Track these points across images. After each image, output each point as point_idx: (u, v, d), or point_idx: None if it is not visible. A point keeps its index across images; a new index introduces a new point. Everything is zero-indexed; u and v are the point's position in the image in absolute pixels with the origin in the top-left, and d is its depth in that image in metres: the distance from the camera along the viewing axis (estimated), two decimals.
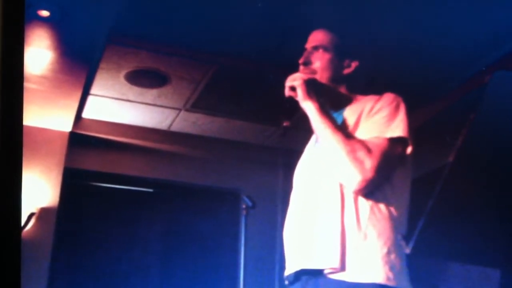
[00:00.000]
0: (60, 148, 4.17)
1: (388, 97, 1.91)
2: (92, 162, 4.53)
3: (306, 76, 1.90)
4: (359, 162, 1.71)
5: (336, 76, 1.99)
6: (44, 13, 2.94)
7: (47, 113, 3.98)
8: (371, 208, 1.74)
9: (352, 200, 1.75)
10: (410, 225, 1.81)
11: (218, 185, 4.84)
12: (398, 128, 1.79)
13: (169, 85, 3.84)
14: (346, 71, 2.01)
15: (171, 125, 4.45)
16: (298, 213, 1.89)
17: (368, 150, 1.72)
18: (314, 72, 1.96)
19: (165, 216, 4.68)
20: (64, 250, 4.18)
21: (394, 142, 1.77)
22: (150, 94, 3.98)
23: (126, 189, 4.70)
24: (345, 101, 1.98)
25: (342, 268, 1.69)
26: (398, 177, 1.81)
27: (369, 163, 1.70)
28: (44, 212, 3.98)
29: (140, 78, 3.76)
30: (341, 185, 1.76)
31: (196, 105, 4.12)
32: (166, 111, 4.22)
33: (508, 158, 1.12)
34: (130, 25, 3.22)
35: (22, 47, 1.27)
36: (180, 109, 4.20)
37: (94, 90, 3.91)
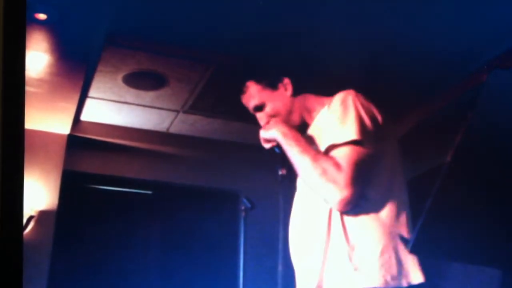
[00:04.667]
0: (59, 151, 4.17)
1: (337, 99, 1.86)
2: (90, 165, 4.52)
3: (266, 121, 1.96)
4: (333, 182, 1.68)
5: (287, 101, 2.01)
6: (41, 16, 2.93)
7: (45, 116, 3.98)
8: (358, 218, 1.72)
9: (338, 215, 1.73)
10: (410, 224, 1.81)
11: (217, 187, 4.83)
12: (350, 131, 1.73)
13: (167, 87, 3.84)
14: (288, 92, 2.02)
15: (169, 127, 4.45)
16: (295, 234, 1.94)
17: (337, 165, 1.68)
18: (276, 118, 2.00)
19: (164, 218, 4.68)
20: (64, 253, 4.17)
21: (353, 145, 1.72)
22: (148, 96, 3.97)
23: (125, 191, 4.70)
24: (316, 112, 1.99)
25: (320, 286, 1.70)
26: (384, 178, 1.77)
27: (342, 181, 1.67)
28: (43, 215, 3.98)
29: (138, 80, 3.76)
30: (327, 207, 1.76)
31: (194, 107, 4.12)
32: (164, 113, 4.22)
33: (506, 156, 1.12)
34: (127, 27, 3.22)
35: (23, 52, 1.28)
36: (178, 111, 4.19)
37: (92, 92, 3.90)
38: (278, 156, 1.92)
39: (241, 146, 4.68)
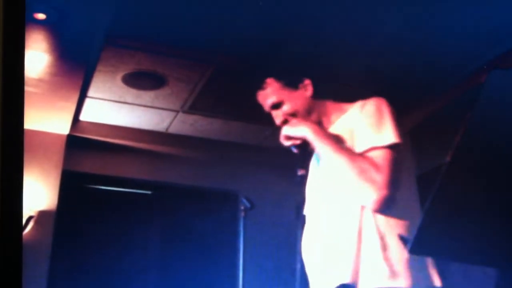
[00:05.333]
0: (58, 151, 4.17)
1: (371, 104, 1.91)
2: (90, 165, 4.52)
3: (282, 119, 1.96)
4: (372, 182, 1.72)
5: (307, 102, 2.01)
6: (41, 16, 2.93)
7: (44, 116, 3.97)
8: (387, 219, 1.76)
9: (370, 214, 1.77)
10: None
11: (216, 187, 4.83)
12: (390, 135, 1.79)
13: (167, 87, 3.84)
14: (308, 92, 2.03)
15: (168, 127, 4.45)
16: (314, 233, 1.91)
17: (376, 166, 1.74)
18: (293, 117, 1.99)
19: (164, 218, 4.67)
20: (63, 253, 4.17)
21: (391, 148, 1.78)
22: (148, 96, 3.97)
23: (124, 191, 4.69)
24: (334, 116, 2.00)
25: (354, 281, 1.71)
26: (404, 179, 1.82)
27: (381, 181, 1.72)
28: (42, 215, 3.98)
29: (137, 80, 3.76)
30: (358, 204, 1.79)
31: (193, 107, 4.11)
32: (164, 113, 4.22)
33: (506, 156, 1.12)
34: (127, 27, 3.21)
35: (22, 52, 1.27)
36: (177, 111, 4.19)
37: (91, 92, 3.90)
38: (296, 155, 1.91)
39: (240, 146, 4.69)
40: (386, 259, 1.70)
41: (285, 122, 1.99)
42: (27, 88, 3.59)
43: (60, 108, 3.89)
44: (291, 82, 2.03)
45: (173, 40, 3.37)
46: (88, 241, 4.35)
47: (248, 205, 2.59)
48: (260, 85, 2.04)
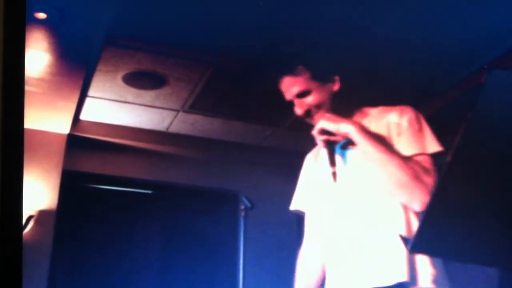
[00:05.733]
0: (58, 150, 4.17)
1: (410, 112, 1.97)
2: (90, 164, 4.52)
3: (324, 115, 1.92)
4: (424, 185, 1.78)
5: (332, 99, 1.99)
6: (41, 15, 2.93)
7: (45, 116, 3.97)
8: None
9: (414, 215, 1.82)
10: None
11: (216, 186, 4.83)
12: (435, 143, 1.89)
13: (167, 86, 3.84)
14: (335, 88, 2.01)
15: (169, 126, 4.45)
16: (342, 236, 1.90)
17: (426, 170, 1.81)
18: (318, 112, 1.97)
19: (164, 217, 4.68)
20: (64, 253, 4.17)
21: (434, 156, 1.87)
22: (148, 96, 3.97)
23: (124, 191, 4.70)
24: (356, 117, 1.99)
25: (413, 280, 1.74)
26: None
27: (431, 184, 1.78)
28: (43, 215, 3.98)
29: (138, 79, 3.76)
30: (401, 203, 1.83)
31: (194, 106, 4.11)
32: (164, 112, 4.22)
33: (506, 156, 1.11)
34: (127, 26, 3.21)
35: (23, 51, 1.27)
36: (178, 111, 4.19)
37: (91, 92, 3.90)
38: (328, 153, 1.90)
39: (241, 146, 4.69)
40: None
41: (307, 112, 1.96)
42: (27, 88, 3.60)
43: (60, 108, 3.90)
44: (320, 75, 2.01)
45: (174, 40, 3.36)
46: (88, 240, 4.35)
47: (248, 204, 2.59)
48: (292, 72, 2.00)
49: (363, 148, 1.83)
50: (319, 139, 1.90)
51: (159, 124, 4.41)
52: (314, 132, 1.90)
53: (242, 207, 2.62)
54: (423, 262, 1.76)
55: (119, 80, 3.76)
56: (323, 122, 1.88)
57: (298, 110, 1.97)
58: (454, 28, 3.22)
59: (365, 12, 3.08)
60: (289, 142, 4.46)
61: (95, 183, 4.60)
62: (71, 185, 4.26)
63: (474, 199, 1.14)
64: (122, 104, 4.10)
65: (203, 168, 4.78)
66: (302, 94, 1.98)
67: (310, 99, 1.96)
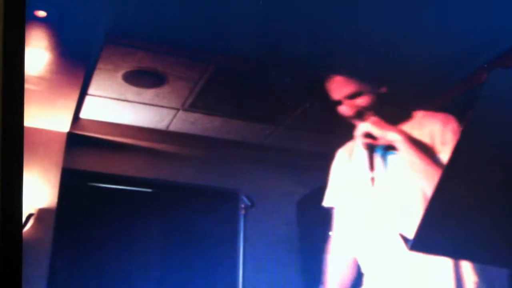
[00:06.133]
0: (58, 149, 4.17)
1: (454, 122, 1.96)
2: (90, 163, 4.52)
3: (372, 119, 1.90)
4: None
5: (379, 102, 1.99)
6: (41, 13, 2.93)
7: (44, 114, 3.97)
8: None
9: None
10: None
11: (217, 185, 4.83)
12: None
13: (167, 85, 3.84)
14: (382, 91, 2.00)
15: (169, 125, 4.45)
16: (378, 245, 1.89)
17: None
18: (367, 114, 1.95)
19: (164, 216, 4.67)
20: (63, 251, 4.17)
21: None
22: (148, 94, 3.97)
23: (124, 189, 4.69)
24: (400, 118, 1.98)
25: None
26: None
27: None
28: (42, 213, 3.97)
29: (138, 78, 3.76)
30: None
31: (194, 105, 4.11)
32: (164, 111, 4.22)
33: (506, 156, 1.11)
34: (128, 25, 3.21)
35: (23, 50, 1.27)
36: (178, 109, 4.19)
37: (91, 90, 3.90)
38: (368, 157, 1.89)
39: (241, 144, 4.68)
40: None
41: (358, 114, 1.94)
42: (27, 86, 3.58)
43: (60, 106, 3.89)
44: (371, 78, 2.01)
45: (174, 38, 3.36)
46: (88, 239, 4.35)
47: (248, 203, 2.60)
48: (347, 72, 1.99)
49: (408, 158, 1.80)
50: (362, 141, 1.87)
51: (159, 122, 4.41)
52: (358, 134, 1.88)
53: (242, 205, 2.63)
54: (467, 271, 1.72)
55: (119, 79, 3.75)
56: (369, 126, 1.86)
57: (348, 111, 1.95)
58: (454, 27, 3.22)
59: (364, 11, 3.08)
60: (290, 141, 4.46)
61: (95, 181, 4.60)
62: (70, 183, 4.25)
63: (474, 198, 1.14)
64: (122, 103, 4.09)
65: (203, 167, 4.77)
66: (353, 96, 1.96)
67: (360, 101, 1.95)
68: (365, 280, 1.90)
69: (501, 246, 1.20)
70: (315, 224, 4.36)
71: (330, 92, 1.99)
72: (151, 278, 4.49)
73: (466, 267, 1.72)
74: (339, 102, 1.97)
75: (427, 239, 1.19)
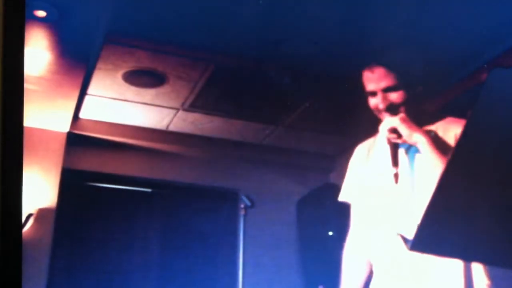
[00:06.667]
0: (58, 149, 4.17)
1: None
2: (90, 162, 4.52)
3: (401, 116, 1.88)
4: None
5: (412, 100, 1.97)
6: (41, 13, 2.93)
7: (44, 114, 3.97)
8: None
9: None
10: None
11: (216, 185, 4.83)
12: None
13: (167, 84, 3.84)
14: (418, 89, 1.99)
15: (169, 124, 4.45)
16: (396, 244, 1.84)
17: None
18: (398, 110, 1.94)
19: (164, 215, 4.68)
20: (63, 251, 4.17)
21: None
22: (148, 94, 3.97)
23: (124, 189, 4.69)
24: (428, 120, 1.97)
25: None
26: None
27: None
28: (42, 213, 3.98)
29: (138, 78, 3.76)
30: None
31: (194, 105, 4.11)
32: (164, 110, 4.22)
33: (506, 156, 1.11)
34: (128, 24, 3.21)
35: (22, 50, 1.27)
36: (178, 109, 4.19)
37: (91, 90, 3.90)
38: (392, 153, 1.86)
39: (241, 144, 4.68)
40: None
41: (390, 107, 1.92)
42: (27, 86, 3.59)
43: (60, 106, 3.89)
44: (409, 75, 2.00)
45: (174, 38, 3.36)
46: (87, 238, 4.35)
47: (248, 203, 2.60)
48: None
49: (429, 159, 1.79)
50: (388, 136, 1.86)
51: (159, 122, 4.41)
52: (385, 128, 1.86)
53: (242, 205, 2.63)
54: (479, 274, 1.72)
55: (119, 78, 3.75)
56: (398, 123, 1.84)
57: (380, 104, 1.93)
58: (454, 27, 3.22)
59: (364, 11, 3.08)
60: (289, 141, 4.46)
61: (95, 181, 4.60)
62: (70, 183, 4.26)
63: (474, 198, 1.14)
64: (122, 103, 4.09)
65: (203, 167, 4.78)
66: (389, 89, 1.95)
67: (395, 96, 1.93)
68: (375, 279, 1.88)
69: (502, 246, 1.20)
70: (314, 224, 4.37)
71: (367, 81, 1.96)
72: (151, 278, 4.49)
73: (478, 269, 1.70)
74: (373, 93, 1.94)
75: (427, 239, 1.19)
